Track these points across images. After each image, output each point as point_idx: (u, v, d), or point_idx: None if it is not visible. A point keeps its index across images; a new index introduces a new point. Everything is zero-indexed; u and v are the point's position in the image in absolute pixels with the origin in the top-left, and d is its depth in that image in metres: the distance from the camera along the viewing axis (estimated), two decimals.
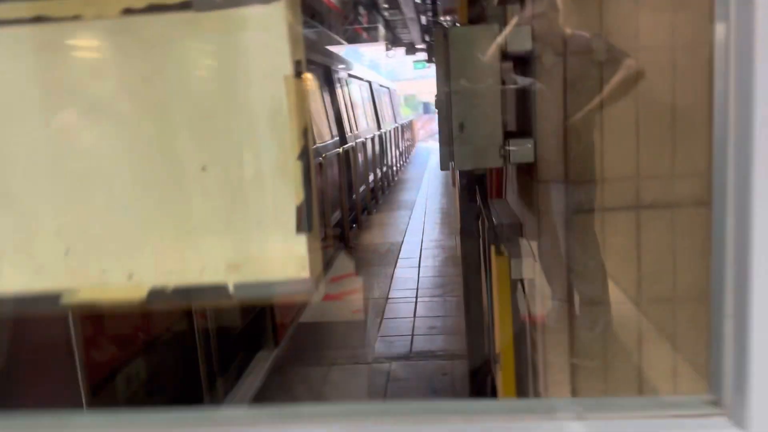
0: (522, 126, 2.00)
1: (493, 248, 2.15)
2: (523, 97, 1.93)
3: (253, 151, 0.76)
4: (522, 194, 2.06)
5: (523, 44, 1.75)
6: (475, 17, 2.48)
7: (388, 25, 13.00)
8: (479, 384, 3.25)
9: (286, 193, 0.75)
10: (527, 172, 2.04)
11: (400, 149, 14.77)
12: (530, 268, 1.92)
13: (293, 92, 0.75)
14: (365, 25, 12.69)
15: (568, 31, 2.03)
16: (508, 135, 1.85)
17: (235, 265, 0.76)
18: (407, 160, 16.94)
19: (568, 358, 2.02)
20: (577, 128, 1.92)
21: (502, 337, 2.12)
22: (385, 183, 11.27)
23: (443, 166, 1.84)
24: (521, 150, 1.80)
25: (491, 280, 2.43)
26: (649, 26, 1.58)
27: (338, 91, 8.71)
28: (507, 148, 1.80)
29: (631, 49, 1.61)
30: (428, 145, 20.86)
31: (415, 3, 11.11)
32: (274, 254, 0.76)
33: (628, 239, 1.69)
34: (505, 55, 1.80)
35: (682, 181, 1.59)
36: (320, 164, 6.52)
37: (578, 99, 1.90)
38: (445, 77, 1.76)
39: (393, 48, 14.90)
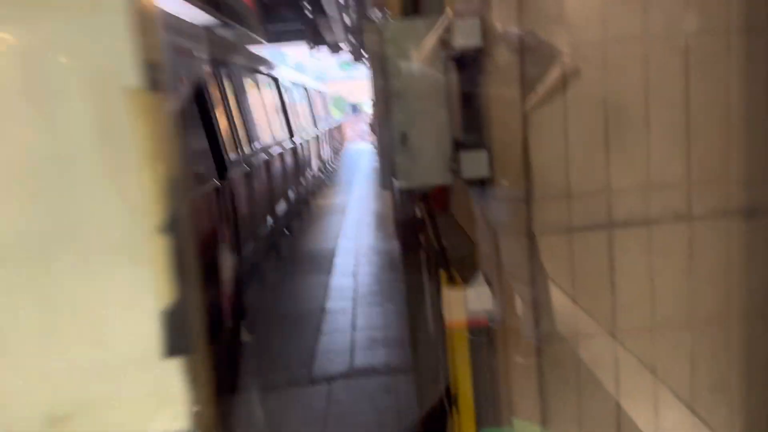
0: (471, 134, 1.75)
1: (443, 275, 1.89)
2: (473, 101, 1.67)
3: (77, 220, 0.44)
4: (474, 210, 1.82)
5: (471, 39, 1.48)
6: (410, 9, 2.21)
7: (311, 25, 12.60)
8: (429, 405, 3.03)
9: (140, 289, 0.44)
10: (478, 185, 1.79)
11: (333, 149, 15.04)
12: (487, 299, 1.67)
13: (146, 115, 0.44)
14: (287, 25, 12.23)
15: (499, 26, 1.80)
16: (457, 146, 1.58)
17: (60, 419, 0.44)
18: (339, 161, 16.91)
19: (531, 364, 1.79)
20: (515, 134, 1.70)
21: (457, 371, 1.86)
22: (316, 186, 11.08)
23: (384, 185, 1.56)
24: (473, 163, 1.54)
25: (439, 302, 2.18)
26: (619, 17, 1.37)
27: (284, 95, 8.64)
28: (457, 161, 1.54)
29: (599, 42, 1.39)
30: (358, 147, 21.02)
31: (338, 2, 10.81)
32: (126, 396, 0.44)
33: (600, 260, 1.48)
34: (450, 52, 1.53)
35: (658, 193, 1.39)
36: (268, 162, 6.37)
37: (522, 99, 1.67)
38: (382, 81, 1.48)
39: (316, 48, 14.50)
